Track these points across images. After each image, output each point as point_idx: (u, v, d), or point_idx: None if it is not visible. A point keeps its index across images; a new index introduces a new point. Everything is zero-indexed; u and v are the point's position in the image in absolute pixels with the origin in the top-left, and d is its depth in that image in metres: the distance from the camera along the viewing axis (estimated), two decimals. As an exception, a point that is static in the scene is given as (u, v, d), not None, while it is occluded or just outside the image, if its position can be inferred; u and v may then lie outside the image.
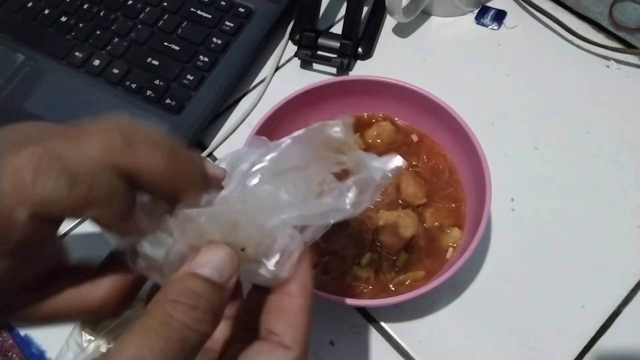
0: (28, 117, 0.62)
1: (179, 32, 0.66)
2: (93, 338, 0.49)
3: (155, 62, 0.64)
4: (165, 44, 0.65)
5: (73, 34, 0.67)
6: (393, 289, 0.50)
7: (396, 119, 0.59)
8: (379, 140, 0.57)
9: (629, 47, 0.64)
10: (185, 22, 0.66)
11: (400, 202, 0.53)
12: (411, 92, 0.54)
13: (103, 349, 0.48)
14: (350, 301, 0.46)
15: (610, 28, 0.65)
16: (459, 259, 0.45)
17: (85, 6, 0.69)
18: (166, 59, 0.64)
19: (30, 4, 0.69)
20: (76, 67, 0.65)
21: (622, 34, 0.64)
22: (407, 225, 0.50)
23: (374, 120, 0.58)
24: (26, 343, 0.53)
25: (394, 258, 0.51)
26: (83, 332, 0.50)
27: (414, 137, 0.58)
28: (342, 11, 0.69)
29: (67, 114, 0.62)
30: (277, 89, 0.65)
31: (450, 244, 0.51)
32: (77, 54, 0.65)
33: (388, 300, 0.45)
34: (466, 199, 0.53)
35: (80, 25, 0.67)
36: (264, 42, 0.67)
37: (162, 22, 0.67)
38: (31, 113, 0.63)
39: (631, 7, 0.62)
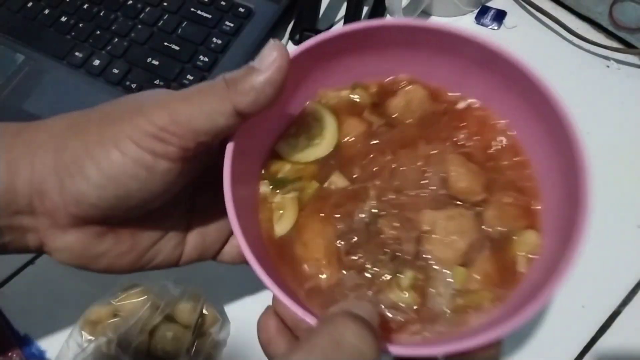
0: (28, 117, 0.62)
1: (179, 32, 0.66)
2: (93, 338, 0.49)
3: (155, 62, 0.64)
4: (165, 44, 0.65)
5: (73, 33, 0.67)
6: (447, 315, 0.35)
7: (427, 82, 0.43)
8: (408, 113, 0.42)
9: (629, 47, 0.63)
10: (185, 22, 0.66)
11: (449, 198, 0.39)
12: (452, 38, 0.38)
13: (104, 349, 0.48)
14: (393, 349, 0.31)
15: (610, 28, 0.63)
16: (550, 277, 0.31)
17: (85, 6, 0.68)
18: (166, 59, 0.64)
19: (30, 4, 0.69)
20: (76, 67, 0.65)
21: (622, 34, 0.63)
22: (462, 229, 0.37)
23: (396, 86, 0.43)
24: (26, 343, 0.53)
25: (446, 276, 0.36)
26: (83, 332, 0.50)
27: (464, 103, 0.42)
28: (342, 11, 0.68)
29: (67, 114, 0.62)
30: (277, 89, 0.66)
31: (521, 253, 0.37)
32: (77, 53, 0.65)
33: (449, 346, 0.30)
34: (540, 188, 0.39)
35: (80, 25, 0.67)
36: (264, 42, 0.66)
37: (162, 22, 0.67)
38: (31, 113, 0.62)
39: (631, 7, 0.61)
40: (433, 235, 0.37)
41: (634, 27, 0.62)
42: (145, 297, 0.50)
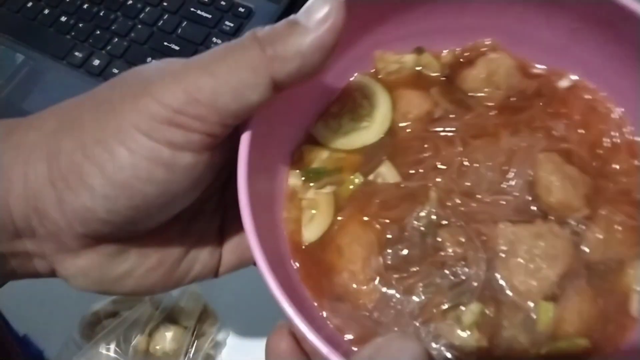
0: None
1: (178, 32, 0.63)
2: (92, 338, 0.49)
3: None
4: (165, 44, 0.62)
5: (73, 33, 0.64)
6: None
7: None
8: (490, 89, 0.32)
9: None
10: (185, 22, 0.63)
11: (536, 209, 0.29)
12: None
13: (102, 350, 0.48)
14: None
15: None
16: None
17: (85, 6, 0.66)
18: (166, 58, 0.64)
19: (30, 4, 0.67)
20: (76, 67, 0.62)
21: None
22: (554, 252, 0.28)
23: (475, 53, 0.33)
24: (25, 343, 0.52)
25: (527, 313, 0.27)
26: (82, 333, 0.50)
27: (564, 80, 0.31)
28: None
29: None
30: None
31: (634, 289, 0.28)
32: (76, 53, 0.63)
33: None
34: None
35: (80, 25, 0.65)
36: None
37: (162, 22, 0.64)
38: (31, 112, 0.62)
39: None
40: (513, 259, 0.28)
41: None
42: (145, 297, 0.50)
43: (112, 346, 0.46)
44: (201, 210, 0.30)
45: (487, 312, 0.27)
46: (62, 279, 0.28)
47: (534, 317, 0.26)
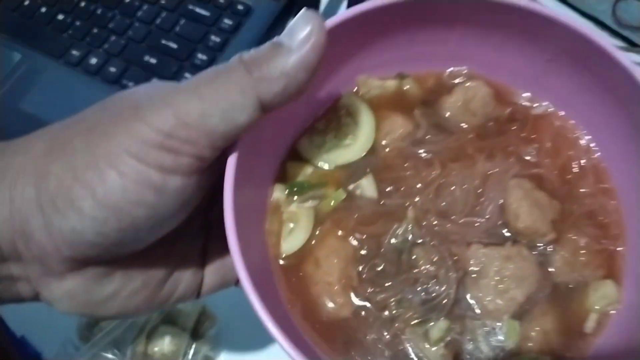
0: (25, 116, 0.59)
1: (176, 30, 0.63)
2: (90, 340, 0.49)
3: (153, 61, 0.61)
4: (163, 42, 0.62)
5: (70, 32, 0.64)
6: None
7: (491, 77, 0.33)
8: (467, 115, 0.33)
9: (632, 45, 0.60)
10: (183, 20, 0.63)
11: (507, 233, 0.31)
12: (537, 20, 0.29)
13: (100, 352, 0.48)
14: None
15: (614, 26, 0.61)
16: (632, 346, 0.26)
17: (82, 4, 0.65)
18: (164, 57, 0.61)
19: (27, 2, 0.66)
20: (73, 66, 0.62)
21: (625, 33, 0.60)
22: (522, 274, 0.29)
23: (453, 81, 0.34)
24: (23, 345, 0.51)
25: (493, 329, 0.29)
26: (80, 334, 0.50)
27: (536, 108, 0.33)
28: (343, 9, 0.65)
29: (64, 113, 0.60)
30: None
31: (595, 308, 0.30)
32: (74, 52, 0.62)
33: None
34: (625, 224, 0.31)
35: (77, 23, 0.64)
36: (264, 40, 0.63)
37: (159, 19, 0.63)
38: (28, 112, 0.59)
39: (635, 6, 0.58)
40: (483, 279, 0.29)
41: (637, 26, 0.61)
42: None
43: (110, 348, 0.46)
44: (184, 232, 0.30)
45: (455, 328, 0.28)
46: (46, 303, 0.28)
47: (501, 334, 0.28)
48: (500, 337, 0.29)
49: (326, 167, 0.33)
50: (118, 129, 0.25)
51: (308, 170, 0.33)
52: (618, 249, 0.31)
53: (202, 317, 0.49)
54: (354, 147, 0.33)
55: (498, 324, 0.29)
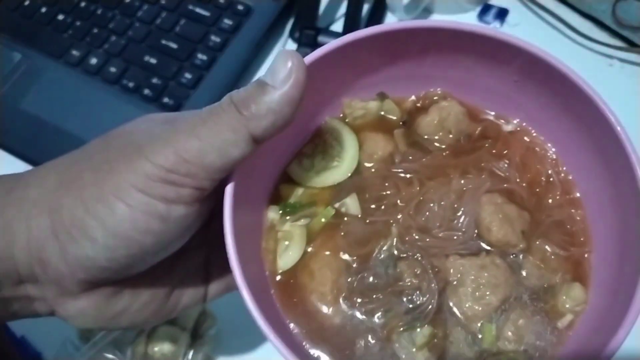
0: (25, 116, 0.60)
1: (177, 30, 0.64)
2: (90, 340, 0.49)
3: (153, 61, 0.62)
4: (163, 42, 0.63)
5: (70, 32, 0.65)
6: None
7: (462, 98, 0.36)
8: (442, 133, 0.36)
9: (632, 45, 0.61)
10: (183, 20, 0.64)
11: (481, 244, 0.33)
12: (501, 46, 0.32)
13: (100, 352, 0.48)
14: None
15: (614, 26, 0.61)
16: (607, 344, 0.26)
17: (82, 4, 0.66)
18: (164, 57, 0.62)
19: (27, 2, 0.67)
20: (73, 66, 0.63)
21: (625, 33, 0.61)
22: (496, 281, 0.32)
23: (428, 101, 0.37)
24: (23, 345, 0.52)
25: (474, 333, 0.32)
26: (80, 334, 0.50)
27: (507, 125, 0.36)
28: (343, 8, 0.66)
29: (64, 113, 0.60)
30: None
31: (564, 310, 0.32)
32: (74, 52, 0.63)
33: None
34: (591, 232, 0.34)
35: (77, 23, 0.65)
36: (264, 40, 0.64)
37: (159, 20, 0.64)
38: (28, 112, 0.60)
39: (635, 6, 0.59)
40: (461, 288, 0.32)
41: (637, 26, 0.61)
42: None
43: (110, 348, 0.46)
44: (184, 249, 0.33)
45: (437, 333, 0.31)
46: (61, 319, 0.31)
47: (480, 336, 0.31)
48: (479, 339, 0.31)
49: (315, 187, 0.35)
50: (123, 166, 0.28)
51: (299, 191, 0.35)
52: (585, 254, 0.34)
53: (202, 317, 0.49)
54: (340, 168, 0.35)
55: (476, 327, 0.31)
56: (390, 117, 0.37)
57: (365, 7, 0.67)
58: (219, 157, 0.27)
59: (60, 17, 0.66)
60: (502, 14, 0.67)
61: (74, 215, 0.28)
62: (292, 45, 0.66)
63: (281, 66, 0.27)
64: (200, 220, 0.31)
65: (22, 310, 0.31)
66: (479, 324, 0.32)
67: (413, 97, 0.37)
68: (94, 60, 0.63)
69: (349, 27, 0.63)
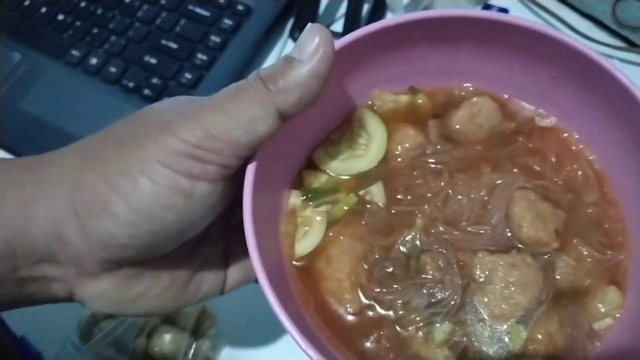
0: (25, 116, 0.60)
1: (177, 30, 0.64)
2: (90, 340, 0.49)
3: (153, 61, 0.62)
4: (163, 42, 0.63)
5: (70, 32, 0.65)
6: None
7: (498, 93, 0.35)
8: (474, 128, 0.35)
9: (632, 45, 0.61)
10: (183, 20, 0.64)
11: (512, 241, 0.32)
12: (543, 40, 0.30)
13: (100, 352, 0.48)
14: None
15: (614, 26, 0.61)
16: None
17: (82, 4, 0.66)
18: (164, 57, 0.62)
19: (27, 3, 0.67)
20: (73, 66, 0.63)
21: (625, 33, 0.61)
22: (526, 281, 0.30)
23: (460, 96, 0.36)
24: (23, 345, 0.52)
25: (499, 334, 0.30)
26: (80, 334, 0.50)
27: (541, 121, 0.35)
28: (343, 8, 0.66)
29: (64, 114, 0.60)
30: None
31: (598, 314, 0.31)
32: (74, 52, 0.63)
33: None
34: (629, 232, 0.32)
35: (77, 23, 0.65)
36: (264, 40, 0.64)
37: (159, 20, 0.64)
38: (28, 112, 0.60)
39: (634, 6, 0.58)
40: (489, 285, 0.31)
41: (637, 26, 0.61)
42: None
43: (110, 348, 0.46)
44: (206, 235, 0.33)
45: (458, 330, 0.30)
46: (80, 302, 0.31)
47: (506, 338, 0.30)
48: (506, 340, 0.30)
49: (340, 175, 0.35)
50: (149, 140, 0.27)
51: (323, 178, 0.35)
52: (621, 256, 0.32)
53: (202, 317, 0.50)
54: (366, 157, 0.35)
55: (503, 327, 0.30)
56: (422, 109, 0.36)
57: (365, 7, 0.67)
58: (245, 133, 0.27)
59: (60, 17, 0.66)
60: (502, 14, 0.67)
61: (95, 190, 0.27)
62: (292, 45, 0.66)
63: (308, 41, 0.27)
64: (223, 202, 0.30)
65: (40, 293, 0.30)
66: (506, 325, 0.30)
67: (445, 92, 0.36)
68: (94, 60, 0.63)
69: (348, 27, 0.63)
